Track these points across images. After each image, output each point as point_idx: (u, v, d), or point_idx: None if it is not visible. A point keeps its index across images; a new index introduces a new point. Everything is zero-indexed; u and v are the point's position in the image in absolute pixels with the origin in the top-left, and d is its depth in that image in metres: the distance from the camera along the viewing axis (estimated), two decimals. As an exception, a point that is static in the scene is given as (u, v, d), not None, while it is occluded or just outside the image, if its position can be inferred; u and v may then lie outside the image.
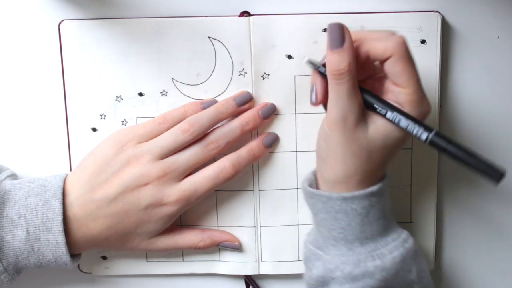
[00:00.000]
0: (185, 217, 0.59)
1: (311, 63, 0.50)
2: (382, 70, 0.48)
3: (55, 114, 0.58)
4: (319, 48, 0.55)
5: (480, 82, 0.57)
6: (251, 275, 0.61)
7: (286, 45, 0.55)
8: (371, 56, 0.48)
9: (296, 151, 0.58)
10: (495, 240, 0.58)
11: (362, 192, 0.48)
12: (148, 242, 0.56)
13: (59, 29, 0.56)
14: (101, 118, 0.58)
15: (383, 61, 0.47)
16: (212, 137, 0.55)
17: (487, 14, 0.55)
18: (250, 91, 0.56)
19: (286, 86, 0.56)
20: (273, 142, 0.58)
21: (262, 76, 0.56)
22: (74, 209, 0.53)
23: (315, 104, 0.50)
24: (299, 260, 0.60)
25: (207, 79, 0.56)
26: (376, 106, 0.48)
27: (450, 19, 0.56)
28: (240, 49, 0.56)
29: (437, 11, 0.55)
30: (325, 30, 0.55)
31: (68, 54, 0.57)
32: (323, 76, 0.49)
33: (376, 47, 0.47)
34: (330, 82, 0.47)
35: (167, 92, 0.57)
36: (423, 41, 0.55)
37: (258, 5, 0.56)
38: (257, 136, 0.57)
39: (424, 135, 0.46)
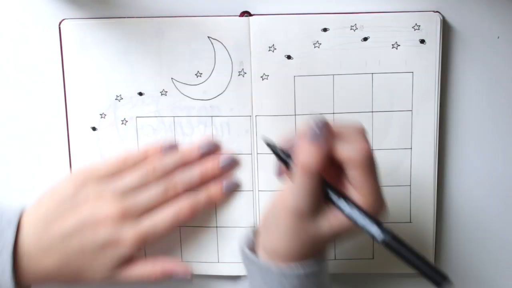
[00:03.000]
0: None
1: (269, 145, 0.49)
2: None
3: (55, 113, 0.58)
4: (319, 49, 0.55)
5: (480, 82, 0.57)
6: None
7: (286, 45, 0.55)
8: (336, 157, 0.46)
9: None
10: (495, 241, 0.57)
11: (302, 272, 0.48)
12: (101, 278, 0.55)
13: (59, 28, 0.56)
14: (101, 118, 0.58)
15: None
16: (172, 183, 0.56)
17: (487, 14, 0.55)
18: (249, 91, 0.56)
19: (286, 87, 0.56)
20: (233, 189, 0.58)
21: (261, 77, 0.56)
22: (27, 245, 0.52)
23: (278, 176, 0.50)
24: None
25: (207, 79, 0.57)
26: (336, 203, 0.46)
27: (450, 19, 0.55)
28: (239, 49, 0.56)
29: (437, 11, 0.55)
30: (324, 29, 0.55)
31: (68, 54, 0.57)
32: (281, 160, 0.48)
33: (341, 153, 0.45)
34: (297, 171, 0.46)
35: (167, 92, 0.57)
36: (422, 41, 0.55)
37: (259, 5, 0.56)
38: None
39: (380, 237, 0.45)
